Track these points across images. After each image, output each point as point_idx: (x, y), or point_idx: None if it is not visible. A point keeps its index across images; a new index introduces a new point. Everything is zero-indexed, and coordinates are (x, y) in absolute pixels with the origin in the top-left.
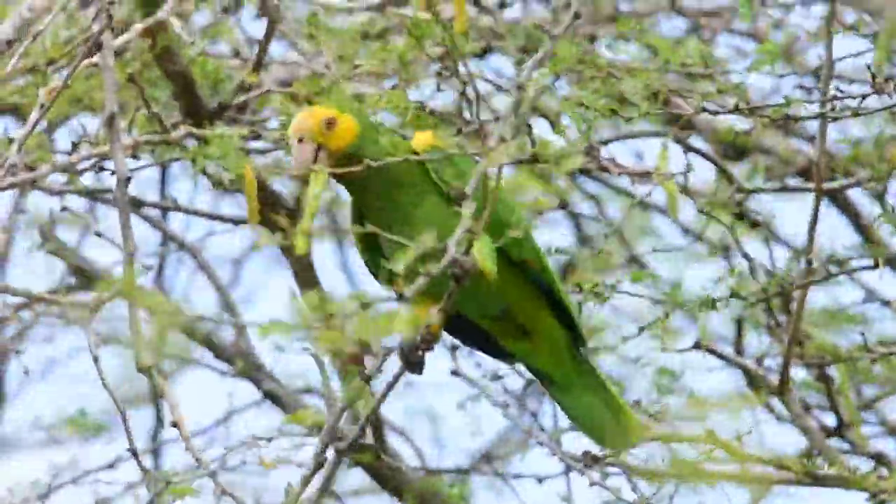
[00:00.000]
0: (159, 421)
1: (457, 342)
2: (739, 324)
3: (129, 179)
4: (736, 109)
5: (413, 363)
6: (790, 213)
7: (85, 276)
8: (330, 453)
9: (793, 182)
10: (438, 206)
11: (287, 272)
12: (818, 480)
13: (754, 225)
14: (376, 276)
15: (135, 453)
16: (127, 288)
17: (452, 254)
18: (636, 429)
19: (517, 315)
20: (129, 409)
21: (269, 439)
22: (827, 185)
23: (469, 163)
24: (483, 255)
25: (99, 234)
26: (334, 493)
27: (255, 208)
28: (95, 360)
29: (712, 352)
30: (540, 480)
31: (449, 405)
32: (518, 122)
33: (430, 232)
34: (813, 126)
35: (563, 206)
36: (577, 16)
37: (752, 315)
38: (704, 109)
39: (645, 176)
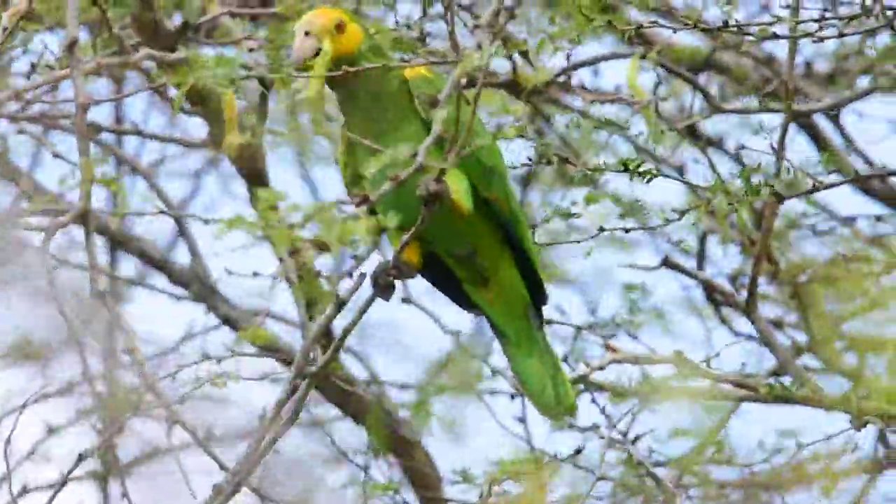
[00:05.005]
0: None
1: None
2: (703, 240)
3: (87, 105)
4: (725, 26)
5: (383, 287)
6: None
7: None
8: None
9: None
10: (417, 132)
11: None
12: (788, 400)
13: (709, 143)
14: (349, 190)
15: (89, 379)
16: (84, 211)
17: (421, 161)
18: (571, 403)
19: (480, 258)
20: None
21: (221, 359)
22: (798, 107)
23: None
24: (456, 185)
25: (57, 156)
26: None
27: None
28: (50, 283)
29: (680, 269)
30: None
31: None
32: (496, 32)
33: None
34: (768, 46)
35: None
36: None
37: (723, 234)
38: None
39: (619, 101)
